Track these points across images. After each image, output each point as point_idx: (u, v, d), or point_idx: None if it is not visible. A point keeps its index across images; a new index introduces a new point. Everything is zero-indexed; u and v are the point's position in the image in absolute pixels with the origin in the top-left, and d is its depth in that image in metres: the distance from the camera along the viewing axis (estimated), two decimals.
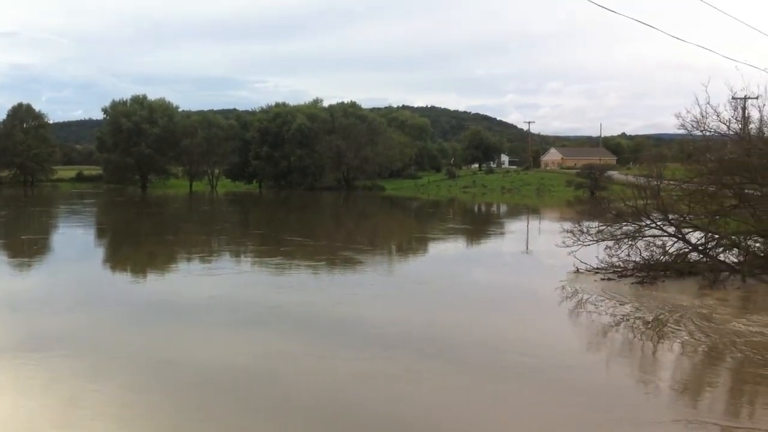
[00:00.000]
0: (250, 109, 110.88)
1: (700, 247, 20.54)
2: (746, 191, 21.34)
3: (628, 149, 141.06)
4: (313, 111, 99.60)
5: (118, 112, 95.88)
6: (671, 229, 20.70)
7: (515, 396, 9.80)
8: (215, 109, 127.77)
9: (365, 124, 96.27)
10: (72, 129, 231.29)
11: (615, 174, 73.76)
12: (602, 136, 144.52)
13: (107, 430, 8.39)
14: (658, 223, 20.80)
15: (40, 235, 33.81)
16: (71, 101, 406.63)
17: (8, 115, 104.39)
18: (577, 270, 20.50)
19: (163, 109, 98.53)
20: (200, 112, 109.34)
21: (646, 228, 20.86)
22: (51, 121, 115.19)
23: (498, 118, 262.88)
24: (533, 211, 58.49)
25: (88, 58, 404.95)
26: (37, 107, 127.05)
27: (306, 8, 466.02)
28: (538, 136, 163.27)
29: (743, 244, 20.23)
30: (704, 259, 20.17)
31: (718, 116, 22.19)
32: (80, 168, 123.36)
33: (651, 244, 20.49)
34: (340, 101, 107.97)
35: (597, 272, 20.31)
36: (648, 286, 18.67)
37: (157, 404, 9.19)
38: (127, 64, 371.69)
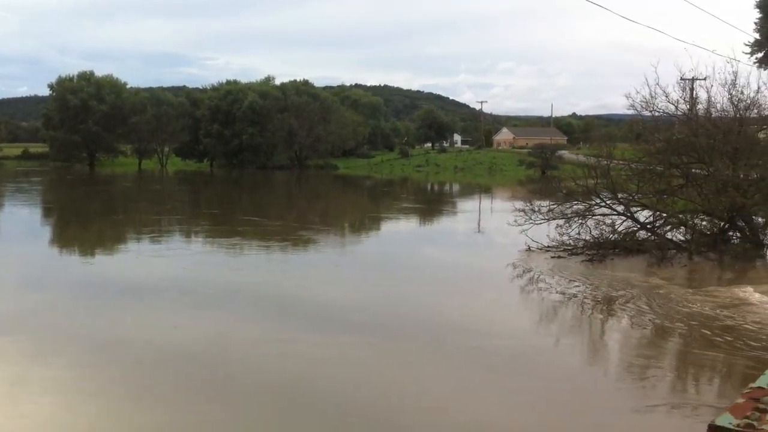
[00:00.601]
0: (201, 87, 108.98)
1: (648, 226, 20.95)
2: (693, 171, 21.81)
3: (578, 129, 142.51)
4: (265, 89, 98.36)
5: (64, 88, 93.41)
6: (620, 208, 21.05)
7: (458, 375, 9.77)
8: (164, 86, 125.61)
9: (318, 103, 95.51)
10: (17, 105, 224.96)
11: (566, 154, 74.74)
12: (553, 116, 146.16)
13: (55, 406, 8.27)
14: (608, 202, 21.14)
15: None
16: (16, 77, 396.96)
17: None
18: (529, 248, 20.72)
19: (111, 85, 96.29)
20: (149, 90, 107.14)
21: (596, 207, 21.18)
22: None
23: (451, 98, 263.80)
24: (485, 190, 58.94)
25: (34, 33, 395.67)
26: None
27: None
28: (491, 115, 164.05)
29: (690, 222, 20.67)
30: (652, 238, 20.56)
31: (666, 97, 22.59)
32: (26, 145, 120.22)
33: (601, 223, 20.81)
34: (292, 79, 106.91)
35: (548, 250, 20.56)
36: (597, 263, 18.97)
37: (105, 384, 9.04)
38: (74, 40, 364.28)
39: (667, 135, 22.79)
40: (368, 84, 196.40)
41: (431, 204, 45.51)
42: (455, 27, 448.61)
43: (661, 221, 20.99)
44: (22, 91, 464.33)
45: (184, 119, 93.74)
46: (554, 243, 20.78)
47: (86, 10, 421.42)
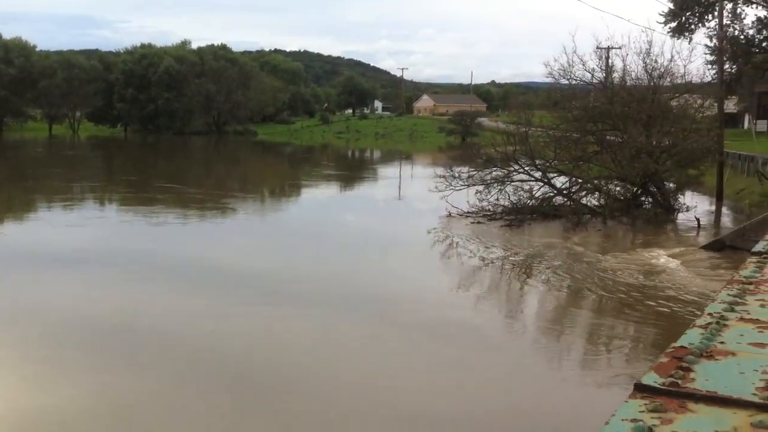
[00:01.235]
0: (114, 50, 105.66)
1: (564, 191, 21.46)
2: (608, 138, 22.41)
3: (497, 97, 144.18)
4: (182, 53, 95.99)
5: None
6: (538, 174, 21.49)
7: (376, 340, 9.79)
8: (76, 49, 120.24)
9: (236, 68, 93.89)
10: None
11: (485, 121, 75.58)
12: (473, 83, 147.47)
13: None
14: (526, 168, 21.53)
15: None
16: None
17: None
18: (449, 214, 20.93)
19: (20, 48, 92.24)
20: (60, 53, 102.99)
21: (515, 173, 21.55)
22: None
23: (372, 64, 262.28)
24: (406, 156, 59.23)
25: None
26: None
27: None
28: (411, 82, 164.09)
29: (604, 188, 21.28)
30: (568, 203, 21.08)
31: (583, 65, 23.10)
32: None
33: (519, 189, 21.21)
34: (209, 44, 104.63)
35: (468, 216, 20.82)
36: (516, 228, 19.34)
37: (14, 355, 8.74)
38: None
39: (584, 103, 23.32)
40: (288, 49, 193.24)
41: (352, 171, 45.48)
42: None
43: (577, 187, 21.53)
44: None
45: (97, 83, 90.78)
46: (474, 209, 21.05)
47: None
